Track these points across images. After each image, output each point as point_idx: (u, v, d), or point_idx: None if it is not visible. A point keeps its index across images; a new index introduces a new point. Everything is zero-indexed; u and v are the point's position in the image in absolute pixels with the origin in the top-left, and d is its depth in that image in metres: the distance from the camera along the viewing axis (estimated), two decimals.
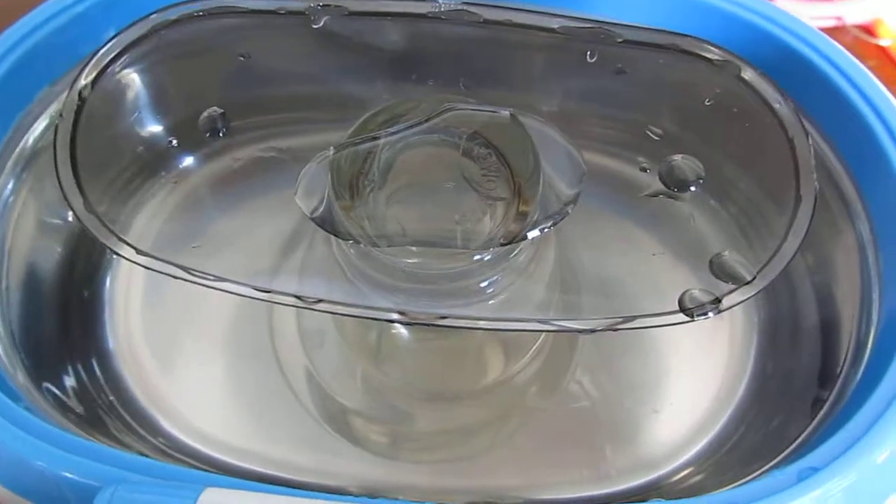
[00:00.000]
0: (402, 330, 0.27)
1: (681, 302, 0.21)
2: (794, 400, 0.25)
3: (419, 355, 0.28)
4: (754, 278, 0.21)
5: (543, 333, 0.27)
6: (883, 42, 0.41)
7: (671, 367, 0.27)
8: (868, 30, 0.42)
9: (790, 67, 0.26)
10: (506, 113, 0.24)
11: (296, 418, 0.26)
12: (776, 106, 0.23)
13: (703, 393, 0.26)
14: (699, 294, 0.21)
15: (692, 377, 0.27)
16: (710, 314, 0.20)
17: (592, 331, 0.20)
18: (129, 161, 0.26)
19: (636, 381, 0.27)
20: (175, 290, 0.25)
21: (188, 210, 0.26)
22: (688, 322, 0.20)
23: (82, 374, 0.26)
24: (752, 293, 0.21)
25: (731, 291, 0.21)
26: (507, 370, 0.27)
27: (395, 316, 0.21)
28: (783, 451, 0.23)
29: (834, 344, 0.25)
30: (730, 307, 0.20)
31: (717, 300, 0.20)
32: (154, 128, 0.26)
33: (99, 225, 0.22)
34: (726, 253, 0.22)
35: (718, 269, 0.22)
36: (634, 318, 0.20)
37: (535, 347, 0.27)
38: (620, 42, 0.24)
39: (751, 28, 0.26)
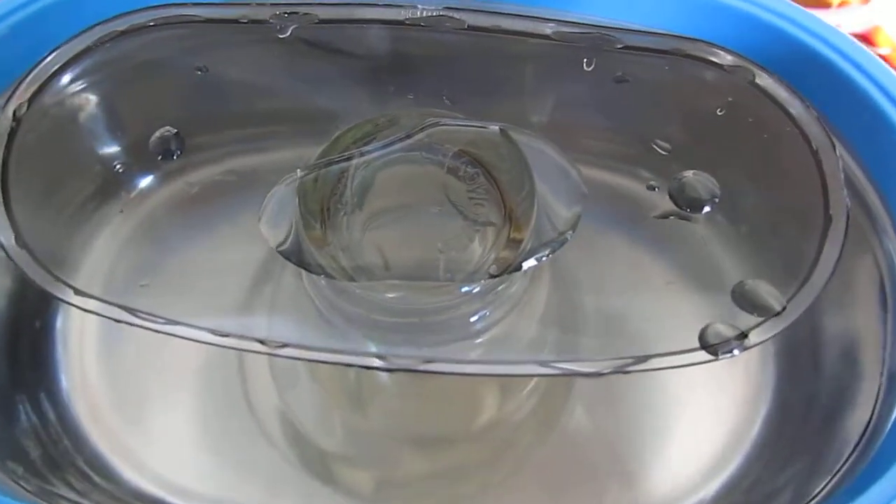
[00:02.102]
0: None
1: (701, 338, 0.18)
2: (818, 436, 0.23)
3: (404, 396, 0.26)
4: (784, 309, 0.19)
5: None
6: (882, 51, 0.40)
7: (678, 401, 0.25)
8: (866, 38, 0.40)
9: (808, 71, 0.24)
10: (495, 128, 0.22)
11: (271, 463, 0.24)
12: (796, 114, 0.21)
13: (715, 430, 0.25)
14: (721, 328, 0.19)
15: (701, 412, 0.25)
16: (736, 351, 0.18)
17: (599, 374, 0.18)
18: (73, 189, 0.24)
19: (640, 418, 0.25)
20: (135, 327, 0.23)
21: (140, 242, 0.24)
22: (711, 361, 0.18)
23: (32, 415, 0.24)
24: (782, 326, 0.19)
25: (757, 325, 0.18)
26: (500, 410, 0.26)
27: (374, 362, 0.19)
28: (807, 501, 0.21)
29: (861, 371, 0.23)
30: (758, 343, 0.18)
31: (744, 335, 0.18)
32: (100, 151, 0.24)
33: (31, 262, 0.20)
34: (749, 281, 0.20)
35: (741, 300, 0.20)
36: (647, 357, 0.18)
37: (530, 385, 0.26)
38: (621, 48, 0.23)
39: (764, 28, 0.24)
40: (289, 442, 0.25)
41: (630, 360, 0.18)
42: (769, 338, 0.18)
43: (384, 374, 0.25)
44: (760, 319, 0.19)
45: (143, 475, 0.24)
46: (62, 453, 0.23)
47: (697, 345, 0.18)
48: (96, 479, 0.23)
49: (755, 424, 0.24)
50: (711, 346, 0.18)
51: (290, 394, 0.25)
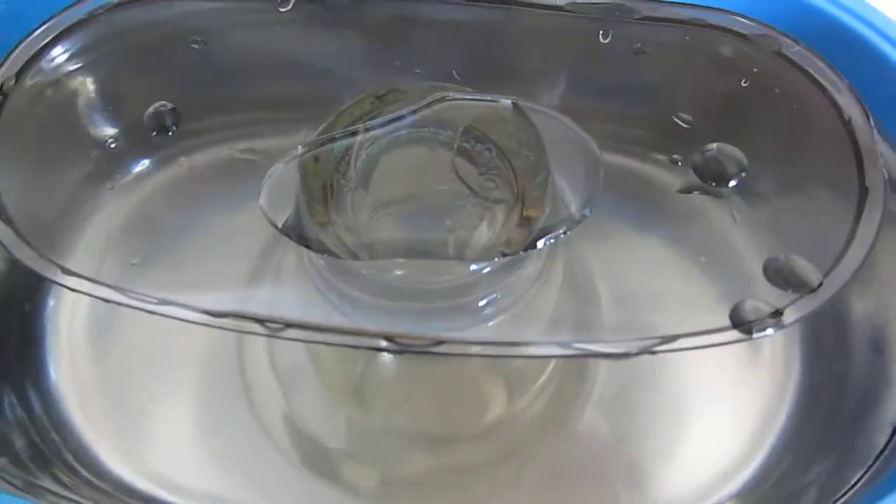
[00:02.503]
0: (388, 362, 0.25)
1: (733, 316, 0.17)
2: (849, 428, 0.22)
3: (410, 392, 0.25)
4: (820, 285, 0.17)
5: (552, 363, 0.25)
6: None
7: (696, 398, 0.24)
8: None
9: (832, 40, 0.23)
10: (507, 102, 0.21)
11: (271, 459, 0.23)
12: (826, 83, 0.20)
13: (736, 424, 0.24)
14: (754, 306, 0.17)
15: (722, 406, 0.24)
16: (770, 330, 0.17)
17: (626, 355, 0.17)
18: (64, 166, 0.23)
19: (655, 415, 0.24)
20: (129, 314, 0.22)
21: (133, 221, 0.23)
22: (744, 340, 0.17)
23: (17, 406, 0.23)
24: (819, 303, 0.17)
25: (792, 302, 0.17)
26: (510, 406, 0.25)
27: (381, 343, 0.18)
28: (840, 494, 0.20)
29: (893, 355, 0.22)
30: (794, 321, 0.17)
31: (779, 312, 0.17)
32: (92, 126, 0.23)
33: (16, 240, 0.19)
34: (782, 256, 0.19)
35: (774, 276, 0.19)
36: (675, 337, 0.17)
37: (541, 380, 0.25)
38: (639, 19, 0.22)
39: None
40: (290, 438, 0.24)
41: (657, 340, 0.17)
42: (805, 315, 0.17)
43: (389, 369, 0.25)
44: (795, 296, 0.17)
45: (135, 470, 0.23)
46: (49, 446, 0.23)
47: (729, 323, 0.17)
48: (85, 473, 0.22)
49: (779, 417, 0.23)
50: (745, 324, 0.17)
51: (291, 388, 0.25)
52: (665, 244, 0.23)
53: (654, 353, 0.17)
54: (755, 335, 0.17)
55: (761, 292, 0.18)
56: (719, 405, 0.24)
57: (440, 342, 0.18)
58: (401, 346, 0.18)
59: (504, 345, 0.18)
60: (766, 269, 0.19)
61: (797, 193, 0.22)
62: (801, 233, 0.21)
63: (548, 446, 0.24)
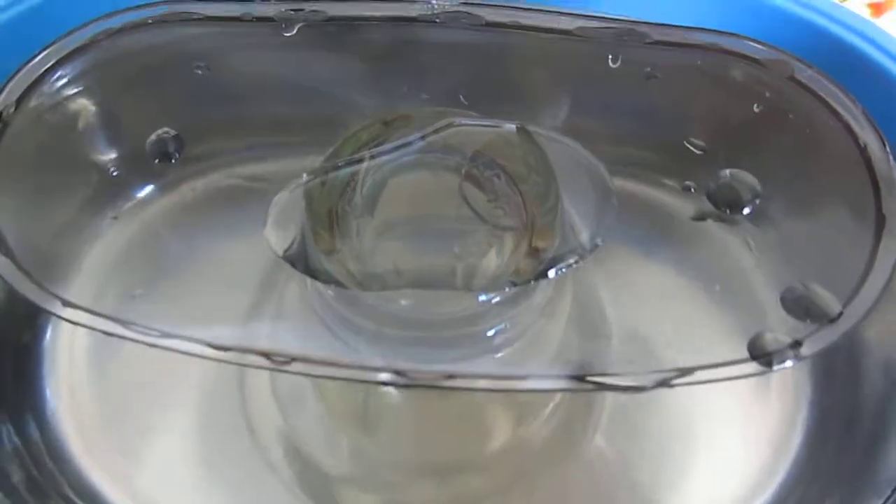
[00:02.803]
0: (392, 389, 0.24)
1: (750, 348, 0.17)
2: (863, 463, 0.22)
3: (414, 420, 0.25)
4: (840, 315, 0.17)
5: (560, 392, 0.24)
6: None
7: (706, 425, 0.23)
8: (876, 7, 0.38)
9: (845, 64, 0.23)
10: (515, 126, 0.21)
11: (273, 490, 0.23)
12: (841, 109, 0.20)
13: (746, 455, 0.23)
14: (771, 337, 0.17)
15: (731, 436, 0.24)
16: (789, 362, 0.16)
17: (642, 388, 0.16)
18: (65, 194, 0.22)
19: (665, 444, 0.23)
20: (129, 342, 0.21)
21: (135, 251, 0.23)
22: (764, 373, 0.16)
23: (14, 437, 0.23)
24: (839, 333, 0.17)
25: (812, 333, 0.17)
26: (515, 435, 0.24)
27: (387, 377, 0.17)
28: None
29: None
30: (813, 353, 0.16)
31: (798, 343, 0.16)
32: (94, 154, 0.23)
33: (16, 271, 0.19)
34: (799, 286, 0.19)
35: (791, 305, 0.18)
36: (692, 370, 0.16)
37: (549, 407, 0.24)
38: (649, 43, 0.22)
39: (797, 23, 0.23)
40: (292, 467, 0.23)
41: (674, 374, 0.16)
42: (825, 347, 0.17)
43: (393, 396, 0.24)
44: (814, 327, 0.17)
45: (135, 501, 0.22)
46: (47, 477, 0.22)
47: (746, 355, 0.17)
48: None
49: (792, 445, 0.23)
50: (765, 355, 0.17)
51: (293, 415, 0.24)
52: (678, 273, 0.23)
53: (671, 386, 0.16)
54: (775, 367, 0.17)
55: (779, 323, 0.18)
56: (730, 433, 0.24)
57: (449, 377, 0.17)
58: (409, 381, 0.17)
59: (514, 379, 0.18)
60: (783, 300, 0.19)
61: (812, 220, 0.22)
62: (817, 261, 0.20)
63: (556, 474, 0.24)
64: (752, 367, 0.17)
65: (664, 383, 0.16)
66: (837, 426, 0.23)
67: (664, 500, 0.22)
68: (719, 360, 0.17)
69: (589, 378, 0.17)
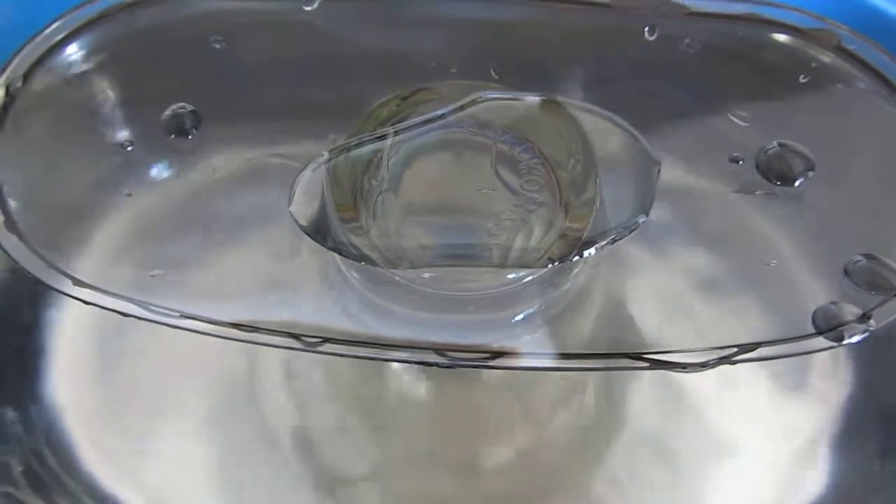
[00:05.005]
0: (409, 382, 0.24)
1: (816, 323, 0.16)
2: None
3: (431, 416, 0.24)
4: None
5: (588, 386, 0.23)
6: None
7: (735, 436, 0.23)
8: None
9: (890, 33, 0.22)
10: (548, 100, 0.20)
11: (285, 487, 0.22)
12: (892, 78, 0.19)
13: (775, 470, 0.22)
14: (836, 311, 0.16)
15: (762, 448, 0.23)
16: (857, 336, 0.15)
17: (703, 365, 0.15)
18: (77, 170, 0.22)
19: (697, 445, 0.22)
20: (137, 329, 0.22)
21: (151, 229, 0.22)
22: (833, 347, 0.15)
23: (15, 426, 0.22)
24: None
25: (881, 304, 0.16)
26: (538, 437, 0.24)
27: (431, 357, 0.16)
28: None
29: None
30: (883, 324, 0.15)
31: (866, 316, 0.16)
32: (107, 129, 0.22)
33: (23, 249, 0.18)
34: (860, 257, 0.18)
35: (855, 277, 0.17)
36: (756, 345, 0.15)
37: (574, 404, 0.24)
38: (687, 14, 0.21)
39: None
40: (305, 461, 0.23)
41: (735, 350, 0.16)
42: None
43: (410, 391, 0.24)
44: (882, 298, 0.16)
45: (140, 497, 0.22)
46: (48, 471, 0.21)
47: (811, 330, 0.16)
48: (87, 500, 0.21)
49: (822, 458, 0.22)
50: (833, 329, 0.16)
51: (307, 409, 0.23)
52: (726, 250, 0.22)
53: (733, 363, 0.15)
54: (846, 341, 0.16)
55: (841, 296, 0.17)
56: (760, 444, 0.23)
57: (499, 354, 0.16)
58: (453, 360, 0.16)
59: (571, 357, 0.17)
60: (846, 271, 0.18)
61: (864, 191, 0.21)
62: (873, 232, 0.20)
63: (578, 476, 0.23)
64: (820, 341, 0.16)
65: (726, 359, 0.15)
66: (872, 438, 0.22)
67: (700, 499, 0.22)
68: (777, 336, 0.16)
69: (647, 356, 0.16)
